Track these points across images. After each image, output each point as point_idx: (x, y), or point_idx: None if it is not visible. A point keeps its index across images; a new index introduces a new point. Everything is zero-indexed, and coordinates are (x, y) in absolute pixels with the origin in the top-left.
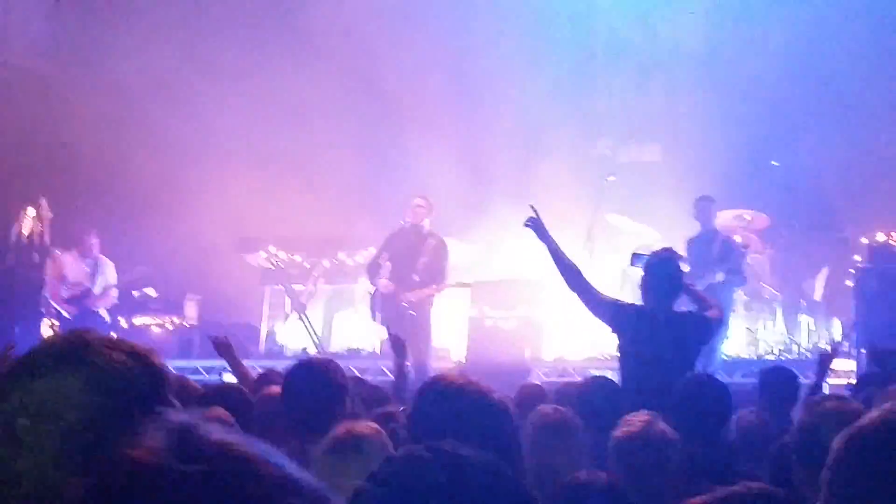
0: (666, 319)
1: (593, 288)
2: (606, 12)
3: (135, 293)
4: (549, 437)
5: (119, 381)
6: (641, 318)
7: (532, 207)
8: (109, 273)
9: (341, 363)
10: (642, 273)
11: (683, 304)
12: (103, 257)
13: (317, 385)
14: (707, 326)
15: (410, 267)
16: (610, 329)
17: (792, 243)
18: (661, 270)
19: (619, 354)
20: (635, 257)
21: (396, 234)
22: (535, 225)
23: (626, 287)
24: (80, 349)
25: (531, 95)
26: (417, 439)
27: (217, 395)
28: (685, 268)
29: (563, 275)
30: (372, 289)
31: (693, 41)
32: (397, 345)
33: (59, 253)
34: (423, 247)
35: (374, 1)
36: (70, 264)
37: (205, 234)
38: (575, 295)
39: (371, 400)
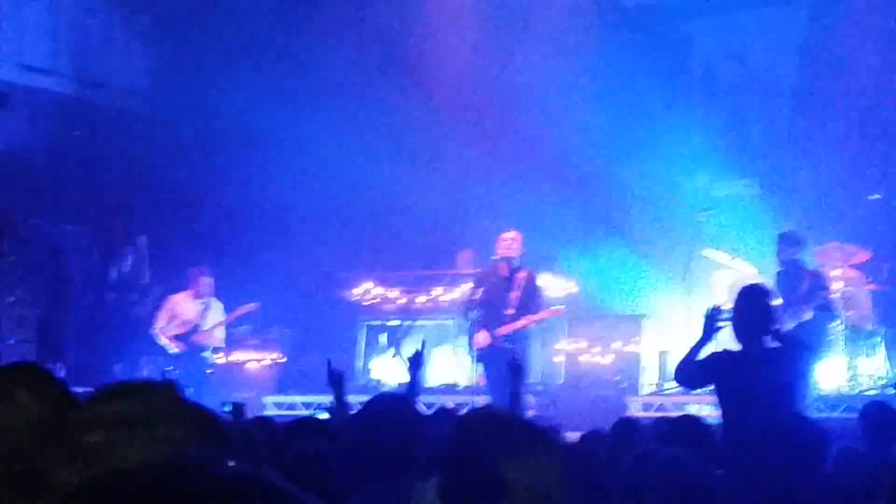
0: (757, 358)
1: (693, 371)
2: (702, 47)
3: (232, 329)
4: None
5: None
6: (732, 361)
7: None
8: (217, 311)
9: (437, 398)
10: (733, 312)
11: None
12: (215, 298)
13: (389, 419)
14: (799, 361)
15: (503, 302)
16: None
17: (894, 276)
18: (747, 307)
19: (719, 403)
20: (716, 313)
21: (489, 271)
22: (711, 322)
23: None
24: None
25: (627, 130)
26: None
27: (299, 428)
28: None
29: (684, 370)
30: (468, 325)
31: (789, 74)
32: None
33: (165, 291)
34: (514, 281)
35: (465, 43)
36: (182, 303)
37: (299, 270)
38: (682, 384)
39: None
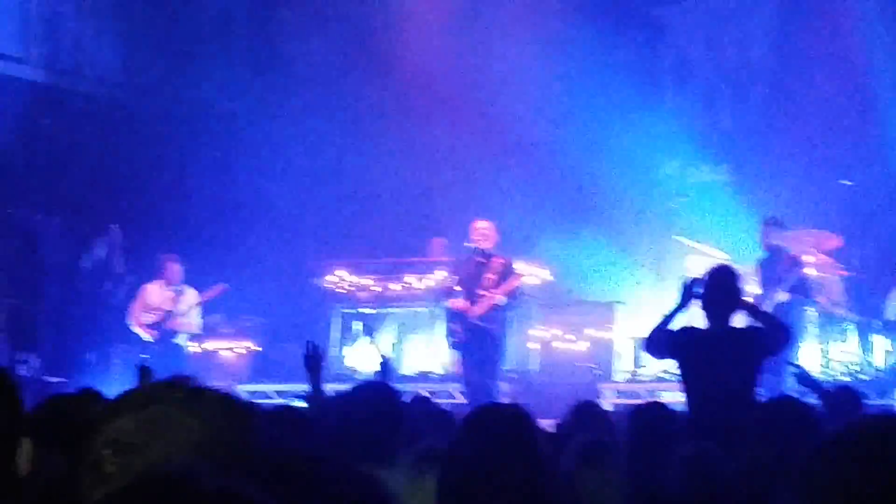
0: (722, 336)
1: (661, 342)
2: (674, 33)
3: (207, 318)
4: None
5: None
6: (698, 339)
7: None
8: (191, 297)
9: (411, 386)
10: (700, 292)
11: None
12: (186, 286)
13: (371, 409)
14: (769, 339)
15: (479, 287)
16: (675, 363)
17: (865, 263)
18: (715, 286)
19: (682, 380)
20: (694, 284)
21: (463, 260)
22: (688, 292)
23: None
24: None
25: (599, 117)
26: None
27: (275, 416)
28: (756, 289)
29: (652, 338)
30: (448, 305)
31: (761, 60)
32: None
33: (139, 280)
34: (489, 269)
35: (447, 23)
36: (153, 292)
37: (274, 258)
38: (648, 352)
39: (438, 422)
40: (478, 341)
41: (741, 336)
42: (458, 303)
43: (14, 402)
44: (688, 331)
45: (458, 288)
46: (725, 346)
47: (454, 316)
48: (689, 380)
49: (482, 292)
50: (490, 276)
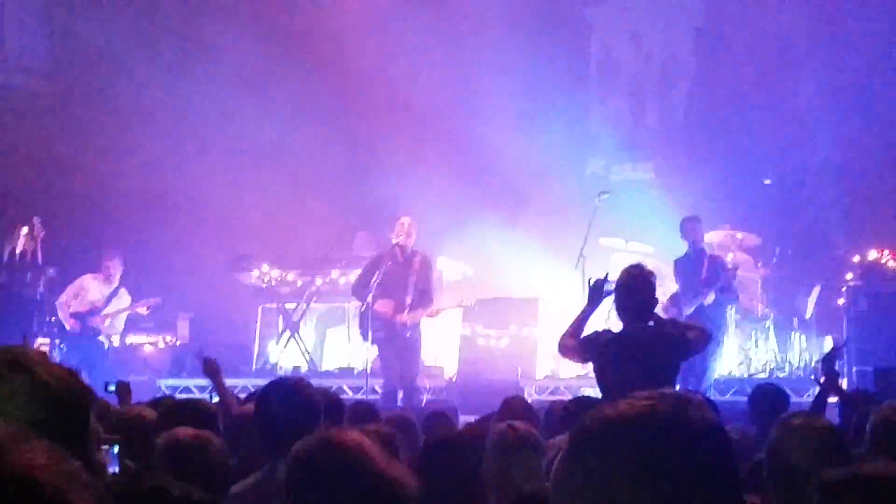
0: (637, 338)
1: (575, 345)
2: (600, 32)
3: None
4: (508, 455)
5: (59, 393)
6: (611, 340)
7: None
8: (122, 300)
9: (333, 381)
10: (614, 292)
11: (677, 315)
12: (123, 289)
13: (289, 403)
14: (684, 343)
15: (401, 287)
16: (592, 364)
17: (784, 262)
18: (629, 288)
19: (597, 381)
20: (602, 283)
21: (384, 255)
22: (597, 291)
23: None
24: (21, 361)
25: (524, 114)
26: None
27: (182, 410)
28: (673, 287)
29: (566, 342)
30: (362, 307)
31: (685, 58)
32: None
33: (87, 275)
34: (410, 266)
35: (372, 17)
36: (91, 284)
37: (198, 252)
38: (564, 356)
39: (358, 416)
40: (398, 338)
41: (658, 337)
42: (385, 307)
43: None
44: (602, 333)
45: (374, 282)
46: (642, 347)
47: (375, 315)
48: (604, 382)
49: (406, 298)
50: (412, 280)
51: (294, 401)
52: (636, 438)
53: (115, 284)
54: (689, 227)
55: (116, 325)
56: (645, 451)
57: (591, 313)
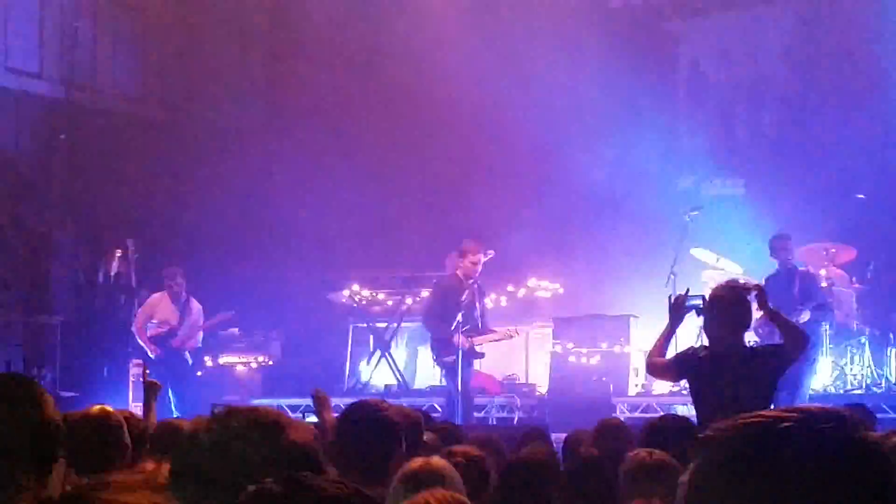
0: (733, 355)
1: (664, 364)
2: (689, 48)
3: (221, 333)
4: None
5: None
6: (706, 358)
7: (700, 297)
8: (196, 315)
9: (424, 400)
10: (707, 309)
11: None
12: (193, 300)
13: (366, 426)
14: (780, 357)
15: (473, 318)
16: (686, 382)
17: (878, 276)
18: (724, 304)
19: (692, 399)
20: (689, 299)
21: (457, 287)
22: (678, 308)
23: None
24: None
25: (614, 132)
26: None
27: None
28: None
29: (654, 362)
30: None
31: (775, 74)
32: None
33: (151, 294)
34: (481, 297)
35: (458, 46)
36: (159, 305)
37: (290, 273)
38: (652, 376)
39: (445, 438)
40: (465, 360)
41: (754, 355)
42: (466, 343)
43: (46, 424)
44: (696, 350)
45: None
46: (739, 362)
47: (453, 345)
48: (701, 400)
49: (478, 324)
50: (480, 307)
51: (371, 423)
52: (775, 467)
53: (183, 299)
54: (779, 245)
55: (194, 340)
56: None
57: (673, 331)
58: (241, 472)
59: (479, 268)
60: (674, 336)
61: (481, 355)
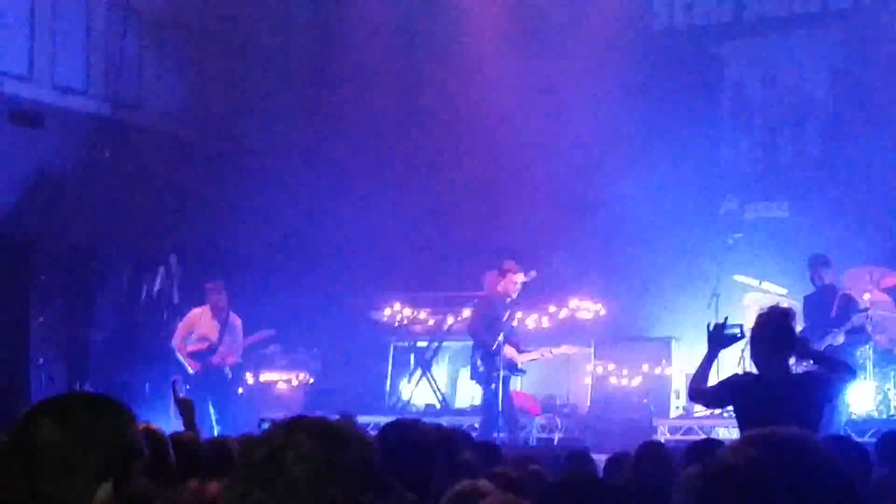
0: (779, 381)
1: (709, 390)
2: (732, 69)
3: (262, 350)
4: None
5: None
6: (752, 384)
7: (738, 326)
8: (237, 331)
9: (465, 419)
10: (751, 336)
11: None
12: (234, 315)
13: (401, 445)
14: (828, 385)
15: (513, 333)
16: (731, 407)
17: None
18: (768, 330)
19: (738, 425)
20: (729, 328)
21: (498, 304)
22: (718, 336)
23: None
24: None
25: (657, 153)
26: None
27: None
28: (798, 327)
29: (697, 388)
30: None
31: (819, 96)
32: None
33: (194, 309)
34: (513, 314)
35: (497, 68)
36: (200, 320)
37: (331, 291)
38: (696, 402)
39: (483, 458)
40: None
41: (801, 381)
42: (516, 358)
43: (103, 444)
44: (742, 376)
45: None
46: (784, 389)
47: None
48: (745, 424)
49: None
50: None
51: (407, 443)
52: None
53: (224, 314)
54: (816, 266)
55: (235, 356)
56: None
57: (713, 358)
58: (300, 489)
59: (519, 287)
60: (716, 361)
61: (524, 372)
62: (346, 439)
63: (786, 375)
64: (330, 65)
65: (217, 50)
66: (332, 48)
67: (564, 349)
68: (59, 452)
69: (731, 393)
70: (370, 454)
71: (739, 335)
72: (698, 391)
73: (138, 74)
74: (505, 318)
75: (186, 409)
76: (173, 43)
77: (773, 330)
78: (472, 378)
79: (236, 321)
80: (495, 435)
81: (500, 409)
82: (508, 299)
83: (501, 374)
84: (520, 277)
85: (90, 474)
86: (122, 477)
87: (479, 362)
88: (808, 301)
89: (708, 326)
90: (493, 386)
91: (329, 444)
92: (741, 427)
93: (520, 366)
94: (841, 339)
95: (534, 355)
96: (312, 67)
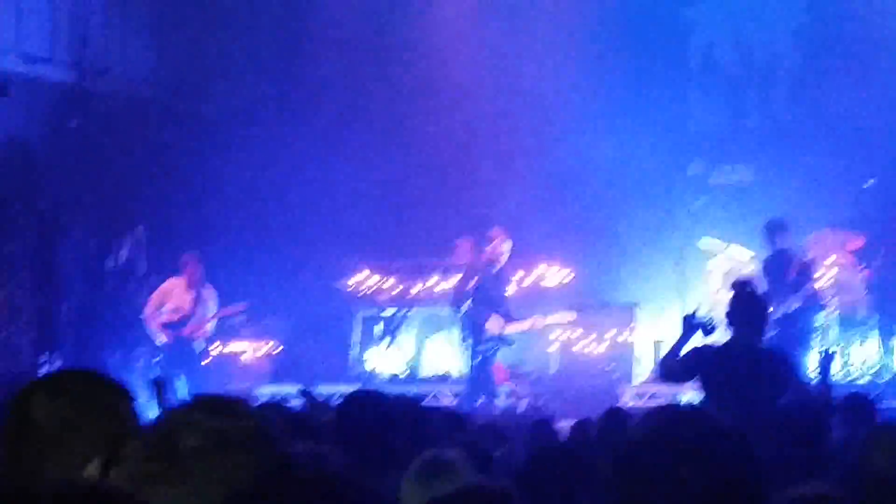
0: (744, 355)
1: (677, 364)
2: (701, 33)
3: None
4: None
5: None
6: (716, 356)
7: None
8: (211, 304)
9: (432, 387)
10: (727, 308)
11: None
12: (209, 286)
13: (365, 417)
14: (792, 363)
15: (498, 298)
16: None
17: (889, 262)
18: (744, 305)
19: (703, 394)
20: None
21: (476, 267)
22: (688, 326)
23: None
24: None
25: (623, 117)
26: None
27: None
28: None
29: (669, 368)
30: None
31: (786, 60)
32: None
33: (162, 280)
34: (502, 278)
35: (462, 30)
36: (173, 291)
37: (298, 258)
38: (668, 381)
39: (446, 427)
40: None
41: (763, 354)
42: (497, 323)
43: (95, 420)
44: (705, 348)
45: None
46: (749, 364)
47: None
48: (708, 395)
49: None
50: (503, 292)
51: (369, 413)
52: (650, 461)
53: (199, 286)
54: (772, 231)
55: (207, 328)
56: (661, 471)
57: (683, 345)
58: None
59: (507, 255)
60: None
61: (513, 342)
62: (241, 414)
63: (752, 350)
64: (299, 31)
65: (184, 14)
66: (302, 8)
67: (557, 318)
68: (49, 425)
69: (694, 365)
70: (265, 430)
71: (707, 326)
72: (669, 369)
73: (105, 41)
74: (496, 287)
75: (159, 390)
76: (140, 8)
77: (746, 303)
78: (460, 346)
79: (211, 293)
80: (476, 404)
81: (486, 379)
82: (497, 267)
83: (488, 345)
84: (508, 245)
85: (80, 450)
86: (113, 455)
87: (466, 333)
88: (766, 265)
89: (685, 316)
90: (480, 358)
91: (222, 418)
92: (705, 392)
93: (507, 336)
94: (798, 303)
95: (524, 325)
96: (282, 29)
